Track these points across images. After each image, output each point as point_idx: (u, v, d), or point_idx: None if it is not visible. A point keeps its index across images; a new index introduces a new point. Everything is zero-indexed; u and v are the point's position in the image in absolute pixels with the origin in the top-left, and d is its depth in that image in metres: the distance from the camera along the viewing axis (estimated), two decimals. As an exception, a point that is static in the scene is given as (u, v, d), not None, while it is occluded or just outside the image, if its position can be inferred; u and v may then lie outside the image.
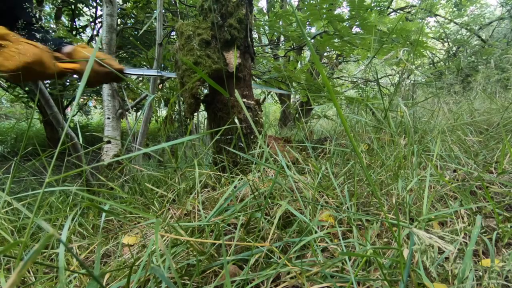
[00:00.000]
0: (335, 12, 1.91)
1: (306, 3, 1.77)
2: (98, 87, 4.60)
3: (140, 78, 4.23)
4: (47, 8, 4.59)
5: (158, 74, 1.16)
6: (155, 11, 1.31)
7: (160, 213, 0.79)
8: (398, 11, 4.32)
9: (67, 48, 1.02)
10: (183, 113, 3.74)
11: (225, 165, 0.84)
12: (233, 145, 0.95)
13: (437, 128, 1.14)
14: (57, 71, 0.93)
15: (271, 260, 0.55)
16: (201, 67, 0.89)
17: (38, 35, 1.04)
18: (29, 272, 0.63)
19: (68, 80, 4.46)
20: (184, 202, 0.79)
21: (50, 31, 1.10)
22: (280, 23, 2.36)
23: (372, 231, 0.60)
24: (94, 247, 0.70)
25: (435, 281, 0.47)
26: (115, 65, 1.00)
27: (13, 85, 4.64)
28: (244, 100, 1.00)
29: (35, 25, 1.06)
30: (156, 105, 2.93)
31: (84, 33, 5.10)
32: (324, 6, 1.76)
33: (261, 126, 1.04)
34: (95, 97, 5.22)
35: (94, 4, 4.33)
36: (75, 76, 1.04)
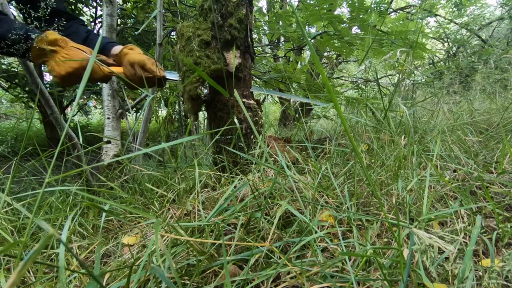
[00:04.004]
0: (335, 13, 1.91)
1: (305, 4, 1.77)
2: (98, 87, 4.61)
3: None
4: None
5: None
6: (154, 11, 1.31)
7: (160, 213, 0.79)
8: (398, 11, 4.32)
9: (114, 50, 1.02)
10: (184, 114, 3.74)
11: (225, 165, 0.84)
12: (233, 145, 0.95)
13: (437, 128, 1.14)
14: (103, 76, 0.93)
15: (271, 260, 0.55)
16: (200, 68, 0.89)
17: (84, 34, 1.04)
18: (29, 272, 0.63)
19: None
20: (184, 202, 0.79)
21: (92, 29, 1.10)
22: (280, 23, 2.36)
23: (372, 231, 0.60)
24: (94, 247, 0.70)
25: (435, 281, 0.47)
26: (157, 71, 0.99)
27: (13, 85, 4.64)
28: (244, 100, 1.00)
29: (80, 22, 1.07)
30: (156, 105, 2.93)
31: (84, 33, 5.09)
32: (324, 7, 1.76)
33: (261, 126, 1.04)
34: (95, 97, 5.23)
35: (94, 4, 4.33)
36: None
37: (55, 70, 0.87)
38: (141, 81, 0.98)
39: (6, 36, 0.85)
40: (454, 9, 5.30)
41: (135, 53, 0.99)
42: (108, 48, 1.03)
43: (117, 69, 0.97)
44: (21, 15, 1.07)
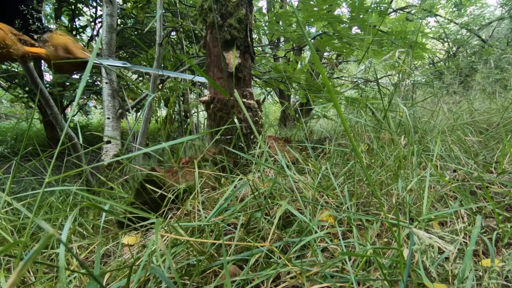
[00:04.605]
0: (335, 13, 1.91)
1: (305, 4, 1.77)
2: (98, 88, 4.61)
3: (141, 78, 4.22)
4: (47, 8, 4.60)
5: (125, 66, 1.14)
6: (155, 11, 1.31)
7: (160, 213, 0.79)
8: (398, 11, 4.32)
9: (45, 35, 1.03)
10: (184, 114, 3.73)
11: (225, 165, 0.84)
12: (233, 145, 0.95)
13: (437, 128, 1.14)
14: (20, 53, 0.93)
15: (271, 260, 0.55)
16: None
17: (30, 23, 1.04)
18: (29, 272, 0.63)
19: (68, 82, 4.47)
20: (184, 202, 0.79)
21: (42, 19, 1.11)
22: (280, 23, 2.36)
23: (372, 231, 0.60)
24: (94, 247, 0.70)
25: (435, 281, 0.47)
26: (79, 53, 0.99)
27: (13, 85, 4.65)
28: (244, 100, 1.00)
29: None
30: (156, 105, 2.93)
31: (84, 33, 5.10)
32: (324, 8, 1.76)
33: (261, 126, 1.04)
34: (95, 97, 5.23)
35: (94, 4, 4.33)
36: (42, 61, 1.04)
37: None
38: (63, 62, 0.99)
39: None
40: (454, 9, 5.30)
41: (60, 36, 1.00)
42: (43, 34, 1.04)
43: (37, 49, 0.98)
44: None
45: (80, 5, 4.43)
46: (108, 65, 1.13)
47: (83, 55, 1.01)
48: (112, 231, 0.82)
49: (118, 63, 1.13)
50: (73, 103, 4.94)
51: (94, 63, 1.04)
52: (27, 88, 4.59)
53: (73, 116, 5.49)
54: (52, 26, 1.11)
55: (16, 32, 0.95)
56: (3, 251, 0.23)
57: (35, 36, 1.02)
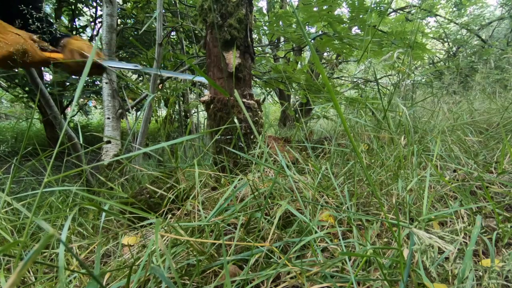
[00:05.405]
0: (335, 13, 1.91)
1: (305, 4, 1.77)
2: (98, 88, 4.61)
3: (140, 78, 4.23)
4: (47, 8, 4.60)
5: (136, 68, 1.15)
6: (155, 11, 1.31)
7: (160, 213, 0.79)
8: (398, 11, 4.32)
9: (63, 40, 1.05)
10: (184, 114, 3.73)
11: (225, 165, 0.84)
12: (233, 145, 0.95)
13: (437, 128, 1.14)
14: (40, 60, 0.95)
15: (271, 260, 0.55)
16: None
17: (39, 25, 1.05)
18: (29, 272, 0.63)
19: (67, 82, 4.47)
20: (184, 202, 0.79)
21: (53, 23, 1.11)
22: (280, 23, 2.36)
23: (372, 231, 0.60)
24: (94, 247, 0.70)
25: (435, 281, 0.47)
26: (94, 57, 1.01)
27: (13, 85, 4.65)
28: (244, 100, 1.00)
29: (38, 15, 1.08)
30: (156, 105, 2.92)
31: (84, 33, 5.10)
32: (324, 8, 1.76)
33: (261, 126, 1.04)
34: (95, 97, 5.23)
35: (94, 4, 4.33)
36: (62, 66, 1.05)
37: None
38: (79, 66, 1.00)
39: None
40: (454, 9, 5.30)
41: (76, 41, 1.02)
42: (59, 39, 1.06)
43: (56, 55, 0.99)
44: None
45: (80, 5, 4.43)
46: (120, 68, 1.14)
47: (96, 57, 1.02)
48: (112, 231, 0.82)
49: (130, 66, 1.14)
50: (73, 103, 4.93)
51: (105, 66, 1.05)
52: (27, 88, 4.59)
53: (73, 116, 5.49)
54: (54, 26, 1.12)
55: (35, 38, 0.96)
56: (3, 251, 0.23)
57: (45, 37, 1.03)
